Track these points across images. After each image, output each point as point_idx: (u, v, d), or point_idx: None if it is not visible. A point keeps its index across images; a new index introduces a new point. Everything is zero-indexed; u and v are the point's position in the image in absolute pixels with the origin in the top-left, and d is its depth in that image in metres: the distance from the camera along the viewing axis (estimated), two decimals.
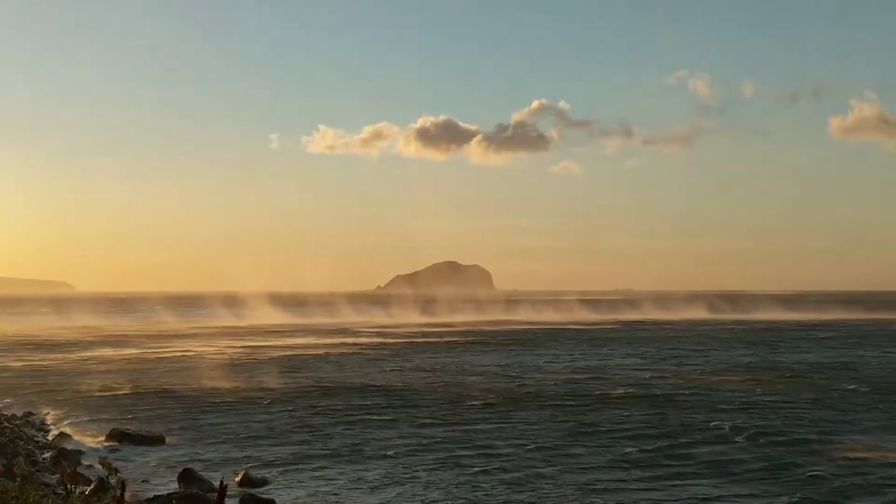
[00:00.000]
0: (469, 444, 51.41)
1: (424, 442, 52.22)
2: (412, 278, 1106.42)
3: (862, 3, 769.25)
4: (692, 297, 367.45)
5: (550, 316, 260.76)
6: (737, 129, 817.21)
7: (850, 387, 78.69)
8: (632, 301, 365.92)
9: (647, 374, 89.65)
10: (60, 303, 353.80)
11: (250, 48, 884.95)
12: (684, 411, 63.80)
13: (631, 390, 76.33)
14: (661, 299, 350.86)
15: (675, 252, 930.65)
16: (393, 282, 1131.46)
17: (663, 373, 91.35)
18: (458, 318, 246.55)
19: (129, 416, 62.32)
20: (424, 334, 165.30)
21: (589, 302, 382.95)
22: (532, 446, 50.70)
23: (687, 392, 74.79)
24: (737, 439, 53.19)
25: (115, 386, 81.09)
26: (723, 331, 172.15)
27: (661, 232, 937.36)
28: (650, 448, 50.24)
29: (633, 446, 50.81)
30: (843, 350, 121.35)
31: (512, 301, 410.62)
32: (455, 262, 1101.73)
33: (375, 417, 61.60)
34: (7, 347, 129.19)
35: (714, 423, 58.55)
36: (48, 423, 61.00)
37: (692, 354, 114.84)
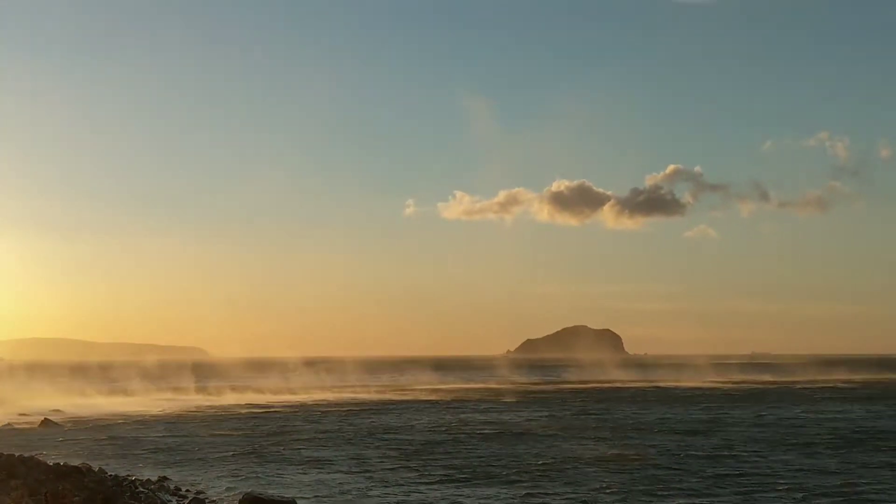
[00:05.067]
0: None
1: None
2: (542, 342, 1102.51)
3: None
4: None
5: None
6: (873, 192, 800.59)
7: None
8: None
9: None
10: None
11: (386, 114, 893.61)
12: None
13: None
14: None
15: (813, 317, 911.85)
16: (524, 345, 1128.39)
17: None
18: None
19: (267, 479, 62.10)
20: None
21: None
22: None
23: None
24: None
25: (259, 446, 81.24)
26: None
27: (798, 296, 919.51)
28: None
29: None
30: None
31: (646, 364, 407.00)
32: (585, 326, 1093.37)
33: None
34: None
35: None
36: (182, 488, 60.93)
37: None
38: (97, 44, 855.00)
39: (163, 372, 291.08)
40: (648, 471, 68.12)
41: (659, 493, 59.22)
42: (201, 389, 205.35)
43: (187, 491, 60.01)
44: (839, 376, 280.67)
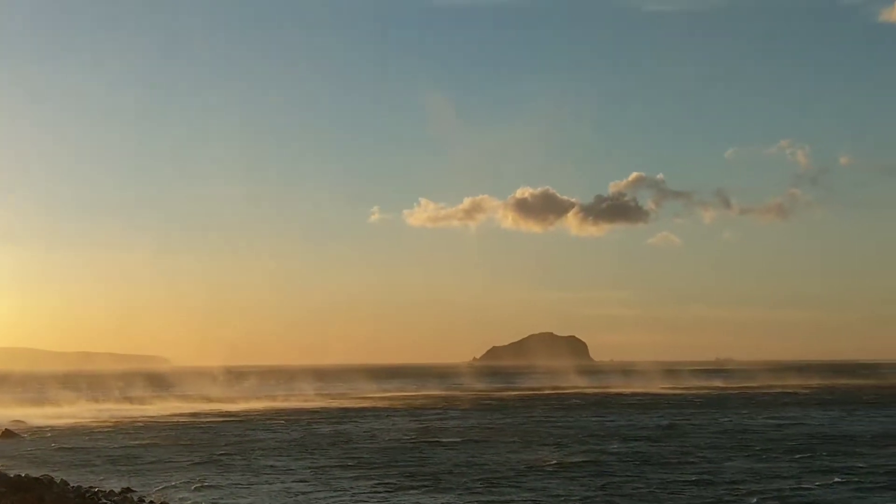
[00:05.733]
0: None
1: None
2: (507, 350, 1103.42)
3: None
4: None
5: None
6: (833, 199, 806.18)
7: None
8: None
9: None
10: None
11: (351, 121, 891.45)
12: None
13: None
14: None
15: (776, 322, 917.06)
16: (489, 353, 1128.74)
17: None
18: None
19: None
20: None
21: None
22: None
23: None
24: None
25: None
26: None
27: (760, 302, 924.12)
28: None
29: None
30: None
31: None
32: (551, 334, 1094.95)
33: None
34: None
35: None
36: (146, 499, 61.36)
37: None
38: (49, 49, 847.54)
39: (122, 381, 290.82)
40: (607, 478, 69.07)
41: (617, 499, 60.16)
42: (161, 398, 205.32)
43: (151, 502, 60.37)
44: (799, 382, 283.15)
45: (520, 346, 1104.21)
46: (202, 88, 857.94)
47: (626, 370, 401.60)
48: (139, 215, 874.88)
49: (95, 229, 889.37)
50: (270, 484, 68.10)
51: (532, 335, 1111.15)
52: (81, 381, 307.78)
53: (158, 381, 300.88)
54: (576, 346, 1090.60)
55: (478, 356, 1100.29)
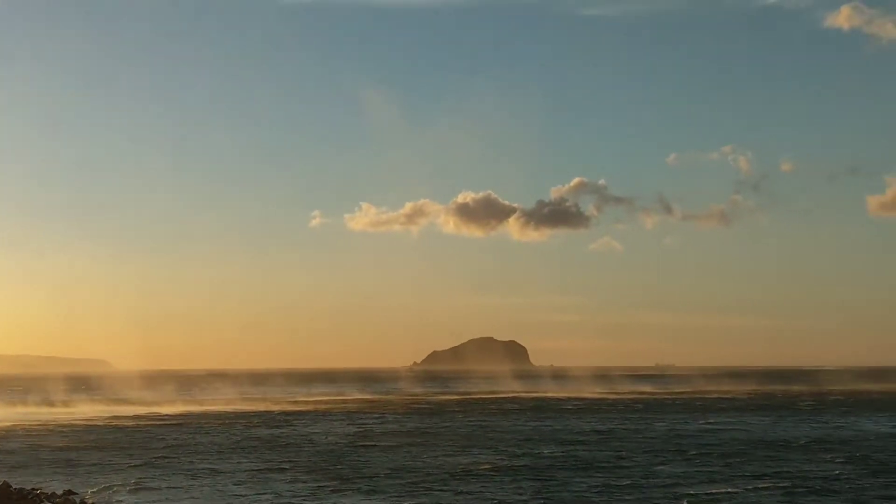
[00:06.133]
0: None
1: None
2: (448, 354, 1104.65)
3: (891, 89, 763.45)
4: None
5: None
6: (775, 205, 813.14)
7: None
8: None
9: None
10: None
11: (291, 126, 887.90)
12: None
13: None
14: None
15: (716, 328, 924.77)
16: (429, 357, 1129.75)
17: None
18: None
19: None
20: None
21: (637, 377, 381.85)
22: None
23: None
24: None
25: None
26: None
27: (700, 308, 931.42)
28: None
29: None
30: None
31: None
32: (491, 338, 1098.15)
33: None
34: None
35: None
36: (88, 502, 61.44)
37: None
38: None
39: (62, 384, 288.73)
40: (542, 482, 69.83)
41: (550, 503, 61.00)
42: (99, 402, 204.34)
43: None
44: (736, 387, 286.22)
45: (460, 351, 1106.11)
46: (140, 93, 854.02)
47: (563, 375, 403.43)
48: (79, 220, 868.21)
49: (35, 233, 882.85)
50: (208, 486, 68.33)
51: (472, 340, 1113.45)
52: (19, 384, 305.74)
53: (97, 385, 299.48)
54: (515, 350, 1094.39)
55: (418, 360, 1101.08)
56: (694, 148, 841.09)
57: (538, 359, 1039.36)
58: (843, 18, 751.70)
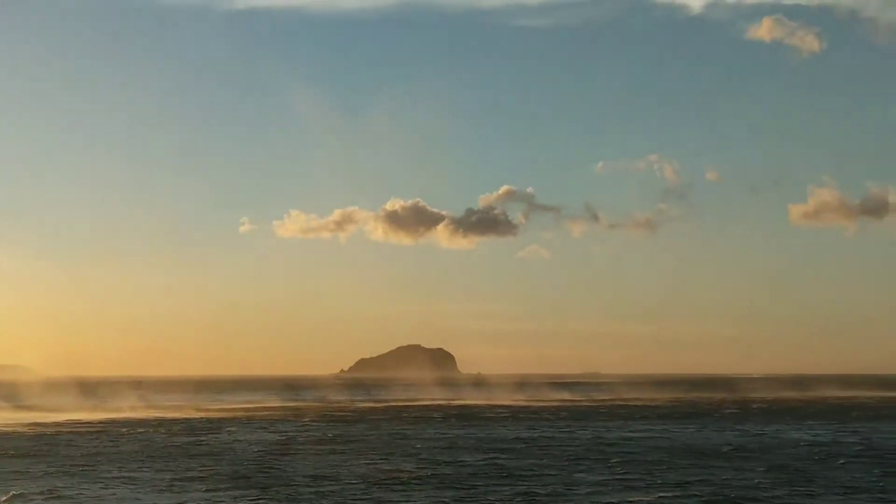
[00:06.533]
0: None
1: None
2: (375, 362, 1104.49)
3: (812, 99, 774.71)
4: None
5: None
6: (700, 214, 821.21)
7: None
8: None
9: None
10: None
11: (218, 129, 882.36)
12: None
13: None
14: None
15: (642, 336, 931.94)
16: (356, 365, 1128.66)
17: None
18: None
19: None
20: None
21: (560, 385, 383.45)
22: None
23: None
24: None
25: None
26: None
27: (627, 316, 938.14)
28: None
29: None
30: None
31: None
32: (419, 346, 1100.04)
33: None
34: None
35: None
36: None
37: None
38: None
39: None
40: (462, 490, 69.51)
41: None
42: (19, 408, 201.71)
43: None
44: (660, 395, 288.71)
45: (387, 359, 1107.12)
46: (71, 92, 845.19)
47: (486, 383, 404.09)
48: (3, 222, 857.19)
49: None
50: (123, 495, 67.27)
51: (400, 347, 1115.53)
52: None
53: (16, 391, 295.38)
54: (443, 358, 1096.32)
55: (346, 368, 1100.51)
56: (621, 156, 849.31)
57: (466, 366, 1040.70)
58: (764, 31, 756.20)
